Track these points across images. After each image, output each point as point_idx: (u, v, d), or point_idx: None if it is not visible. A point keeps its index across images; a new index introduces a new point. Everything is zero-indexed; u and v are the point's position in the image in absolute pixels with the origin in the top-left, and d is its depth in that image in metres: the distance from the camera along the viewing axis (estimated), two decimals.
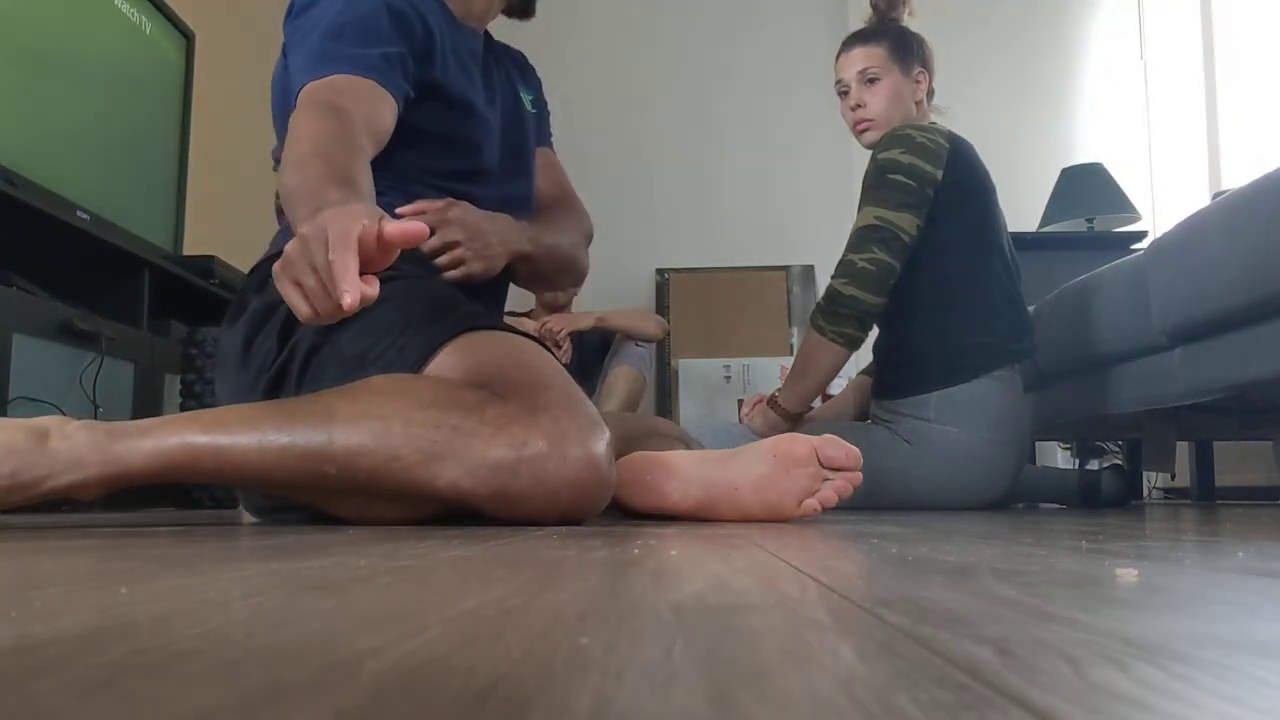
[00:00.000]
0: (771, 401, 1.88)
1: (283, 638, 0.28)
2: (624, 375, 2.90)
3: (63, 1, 2.06)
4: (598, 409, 1.08)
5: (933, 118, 1.99)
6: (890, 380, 1.89)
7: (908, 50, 1.95)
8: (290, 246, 0.88)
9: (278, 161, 1.32)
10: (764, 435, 1.84)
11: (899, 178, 1.78)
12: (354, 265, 0.83)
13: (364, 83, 1.16)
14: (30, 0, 1.96)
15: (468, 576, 0.47)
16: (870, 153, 1.89)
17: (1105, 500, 2.09)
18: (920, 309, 1.82)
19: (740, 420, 1.99)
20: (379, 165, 1.22)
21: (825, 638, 0.29)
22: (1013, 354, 1.84)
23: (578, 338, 2.97)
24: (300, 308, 0.89)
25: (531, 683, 0.22)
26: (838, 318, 1.76)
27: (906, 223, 1.77)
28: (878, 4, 1.98)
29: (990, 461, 1.80)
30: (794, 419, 1.85)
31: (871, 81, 1.91)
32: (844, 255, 1.79)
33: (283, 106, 1.30)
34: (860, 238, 1.78)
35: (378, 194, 1.24)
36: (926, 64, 1.97)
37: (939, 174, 1.79)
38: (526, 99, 1.47)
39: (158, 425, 1.01)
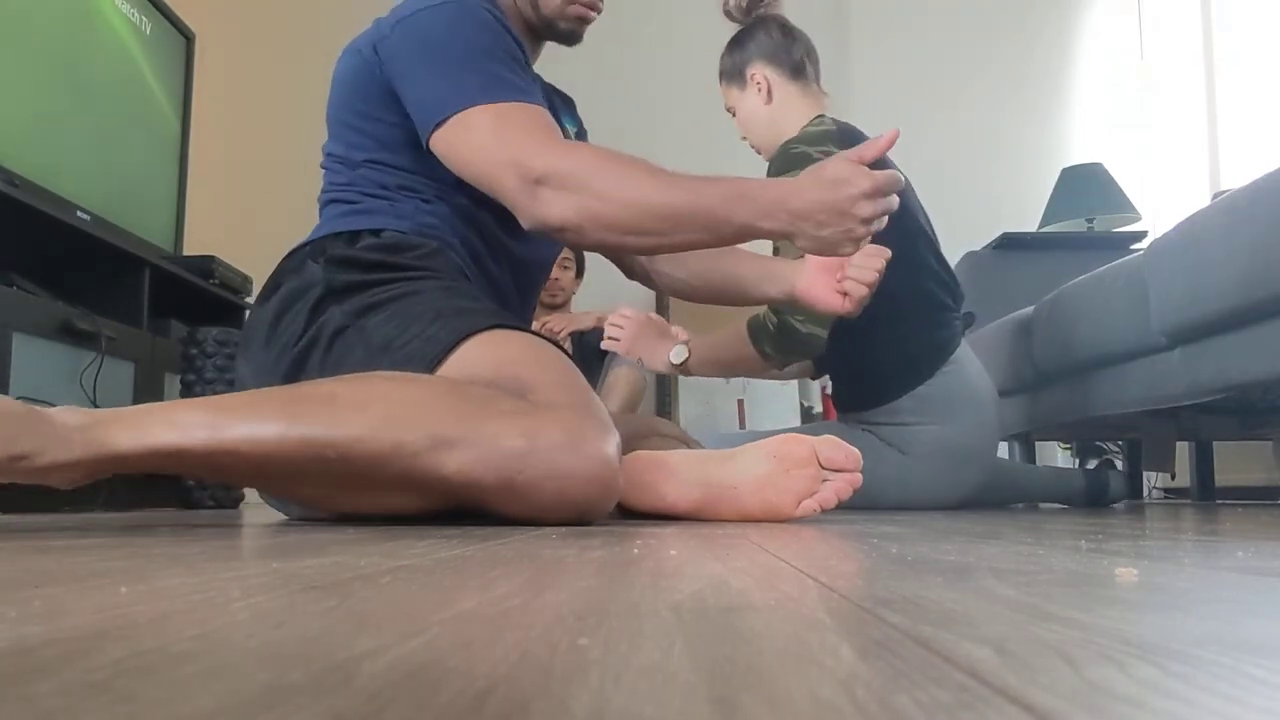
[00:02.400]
0: (682, 367, 1.81)
1: (282, 638, 0.28)
2: (624, 377, 2.90)
3: (63, 2, 2.06)
4: None
5: (826, 104, 1.86)
6: (853, 395, 1.85)
7: (732, 60, 1.85)
8: (863, 231, 1.12)
9: (330, 156, 1.32)
10: (654, 367, 1.82)
11: None
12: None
13: (544, 113, 1.19)
14: (31, 1, 1.96)
15: (467, 576, 0.47)
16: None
17: (1112, 499, 2.09)
18: (868, 322, 1.73)
19: (611, 337, 1.84)
20: (428, 174, 1.24)
21: (825, 638, 0.29)
22: (958, 328, 1.82)
23: (577, 338, 2.97)
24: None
25: (530, 684, 0.22)
26: (791, 352, 1.72)
27: None
28: (730, 10, 1.85)
29: (978, 446, 1.79)
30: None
31: (735, 116, 1.89)
32: None
33: (346, 102, 1.28)
34: None
35: (423, 201, 1.26)
36: (760, 53, 1.82)
37: None
38: (570, 130, 1.48)
39: (149, 410, 0.99)
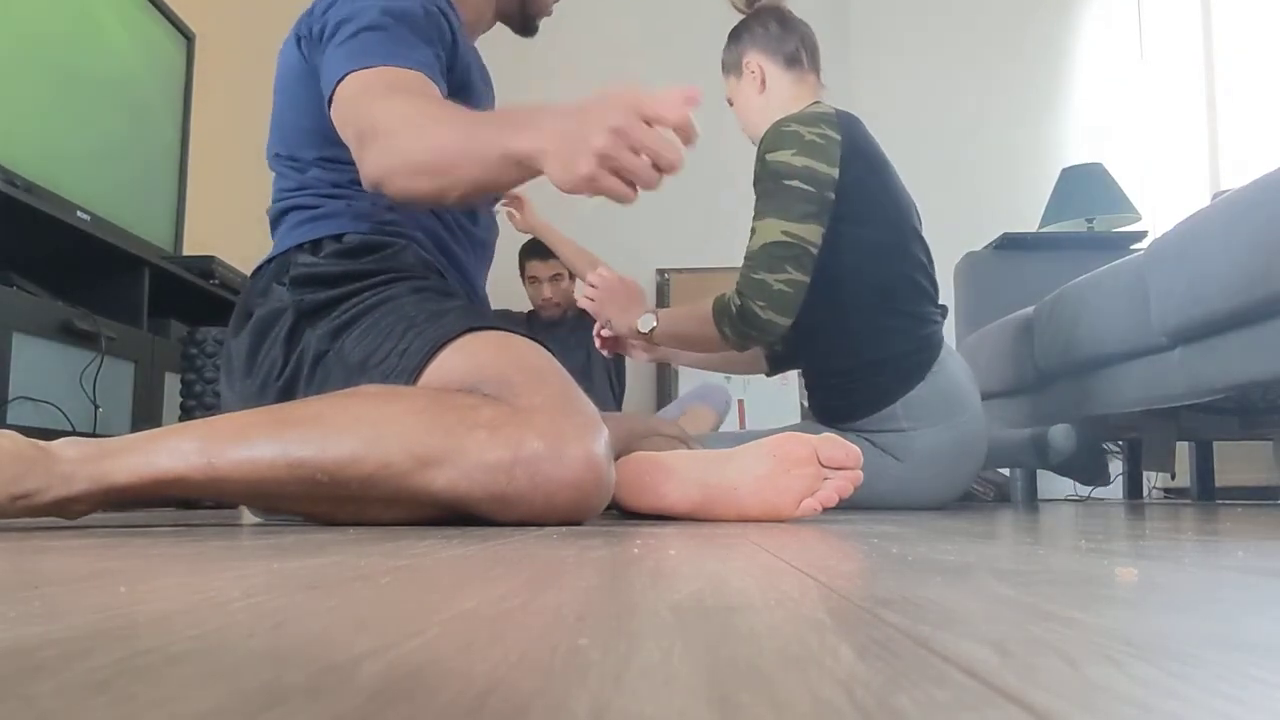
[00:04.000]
0: (648, 335, 1.79)
1: (282, 639, 0.28)
2: (703, 413, 2.88)
3: (63, 2, 2.06)
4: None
5: (823, 95, 1.85)
6: (843, 403, 1.79)
7: (730, 51, 1.88)
8: (602, 142, 0.92)
9: (278, 158, 1.30)
10: (621, 331, 1.81)
11: (796, 184, 1.65)
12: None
13: (416, 75, 1.14)
14: (31, 2, 1.96)
15: (467, 576, 0.47)
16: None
17: (1058, 459, 2.06)
18: (854, 319, 1.73)
19: (587, 296, 1.85)
20: None
21: (825, 638, 0.29)
22: (941, 325, 1.80)
23: (589, 349, 2.92)
24: (624, 193, 0.95)
25: (529, 685, 0.22)
26: (748, 337, 1.69)
27: (812, 234, 1.66)
28: (734, 1, 1.88)
29: (973, 441, 1.78)
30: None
31: (733, 106, 1.90)
32: (755, 273, 1.65)
33: (292, 98, 1.27)
34: (771, 256, 1.64)
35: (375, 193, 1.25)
36: (755, 43, 1.85)
37: (835, 172, 1.68)
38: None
39: (146, 440, 1.00)
